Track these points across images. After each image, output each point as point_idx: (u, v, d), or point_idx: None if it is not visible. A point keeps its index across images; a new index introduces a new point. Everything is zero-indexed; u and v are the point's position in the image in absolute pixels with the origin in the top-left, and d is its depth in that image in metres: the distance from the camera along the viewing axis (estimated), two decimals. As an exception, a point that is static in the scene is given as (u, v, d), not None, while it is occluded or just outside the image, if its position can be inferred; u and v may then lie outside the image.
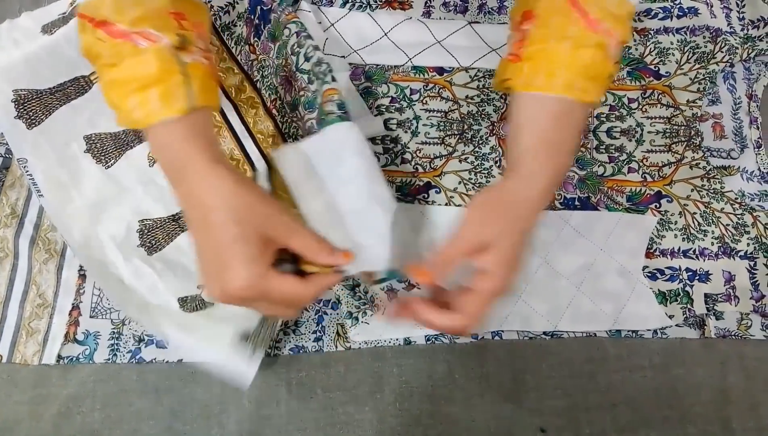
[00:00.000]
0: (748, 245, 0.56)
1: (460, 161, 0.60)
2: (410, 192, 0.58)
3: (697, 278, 0.56)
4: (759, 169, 0.60)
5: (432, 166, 0.60)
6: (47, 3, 0.65)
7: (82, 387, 0.51)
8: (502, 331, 0.53)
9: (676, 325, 0.54)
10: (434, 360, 0.53)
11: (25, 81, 0.56)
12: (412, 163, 0.60)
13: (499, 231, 0.43)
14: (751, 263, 0.56)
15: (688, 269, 0.56)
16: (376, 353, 0.53)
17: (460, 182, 0.59)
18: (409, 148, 0.61)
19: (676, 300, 0.55)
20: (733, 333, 0.53)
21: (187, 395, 0.51)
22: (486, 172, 0.59)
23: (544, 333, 0.53)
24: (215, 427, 0.50)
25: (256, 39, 0.61)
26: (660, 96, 0.60)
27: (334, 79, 0.51)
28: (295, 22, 0.57)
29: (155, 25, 0.41)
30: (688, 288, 0.55)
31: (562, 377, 0.52)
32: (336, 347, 0.53)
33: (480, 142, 0.61)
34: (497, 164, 0.60)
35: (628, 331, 0.53)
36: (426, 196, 0.58)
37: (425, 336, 0.53)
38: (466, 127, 0.61)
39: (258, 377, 0.51)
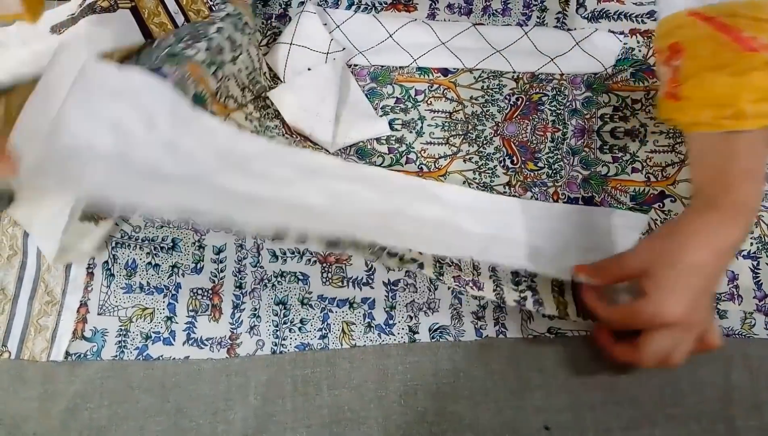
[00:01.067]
0: (751, 244, 0.57)
1: (464, 161, 0.60)
2: None
3: None
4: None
5: (437, 166, 0.60)
6: (57, 4, 0.66)
7: (90, 384, 0.51)
8: (506, 330, 0.54)
9: None
10: (439, 358, 0.53)
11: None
12: (417, 163, 0.60)
13: (657, 258, 0.44)
14: (755, 263, 0.56)
15: None
16: (382, 350, 0.53)
17: (464, 182, 0.59)
18: (413, 148, 0.61)
19: None
20: (737, 332, 0.54)
21: (193, 391, 0.52)
22: (490, 172, 0.60)
23: (548, 331, 0.54)
24: (221, 423, 0.51)
25: None
26: None
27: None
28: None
29: None
30: None
31: (566, 375, 0.52)
32: (341, 344, 0.53)
33: (484, 142, 0.61)
34: (501, 164, 0.60)
35: None
36: None
37: (430, 334, 0.54)
38: (470, 127, 0.62)
39: (264, 373, 0.52)
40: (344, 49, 0.63)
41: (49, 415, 0.50)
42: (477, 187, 0.59)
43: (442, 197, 0.57)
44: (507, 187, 0.59)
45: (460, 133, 0.61)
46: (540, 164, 0.60)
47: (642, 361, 0.46)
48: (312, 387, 0.52)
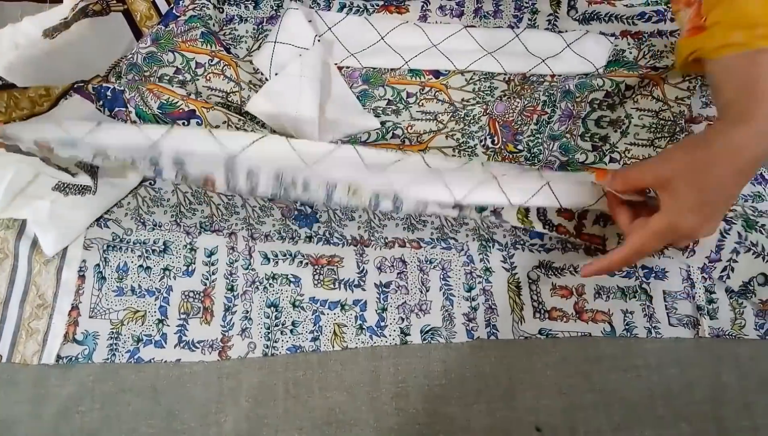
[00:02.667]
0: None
1: (446, 137, 0.60)
2: None
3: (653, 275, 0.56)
4: (753, 170, 0.60)
5: (419, 140, 0.60)
6: (49, 7, 0.66)
7: (81, 387, 0.51)
8: (497, 332, 0.54)
9: (670, 324, 0.54)
10: (431, 360, 0.53)
11: (27, 85, 0.57)
12: (401, 137, 0.60)
13: (679, 171, 0.44)
14: (727, 227, 0.56)
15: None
16: (373, 352, 0.53)
17: (443, 159, 0.59)
18: (400, 124, 0.61)
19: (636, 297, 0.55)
20: (727, 333, 0.54)
21: (184, 394, 0.52)
22: (470, 150, 0.60)
23: (540, 332, 0.54)
24: (213, 426, 0.51)
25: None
26: (653, 88, 0.61)
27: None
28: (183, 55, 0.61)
29: None
30: (649, 285, 0.55)
31: (557, 377, 0.52)
32: (333, 346, 0.53)
33: (471, 120, 0.61)
34: (482, 143, 0.60)
35: (623, 330, 0.54)
36: None
37: (421, 336, 0.54)
38: (459, 106, 0.62)
39: (255, 376, 0.52)
40: (318, 41, 0.63)
41: (41, 418, 0.50)
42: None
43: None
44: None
45: (449, 111, 0.62)
46: (520, 147, 0.60)
47: (629, 242, 0.46)
48: (304, 390, 0.52)
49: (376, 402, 0.52)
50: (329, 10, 0.67)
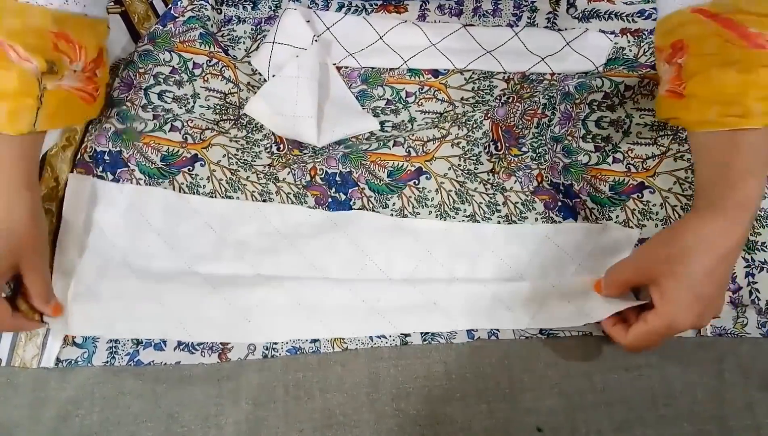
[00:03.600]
0: None
1: (452, 146, 0.60)
2: (400, 178, 0.59)
3: None
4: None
5: (424, 149, 0.60)
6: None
7: (81, 390, 0.51)
8: (498, 330, 0.54)
9: None
10: (431, 361, 0.53)
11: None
12: (405, 146, 0.60)
13: (660, 265, 0.44)
14: None
15: None
16: (373, 354, 0.53)
17: (450, 168, 0.59)
18: (402, 134, 0.61)
19: None
20: (729, 331, 0.53)
21: (184, 396, 0.51)
22: (475, 158, 0.59)
23: (540, 332, 0.53)
24: (213, 428, 0.50)
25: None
26: (653, 87, 0.60)
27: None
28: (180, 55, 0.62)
29: (28, 43, 0.45)
30: None
31: (558, 377, 0.52)
32: (333, 348, 0.53)
33: (474, 126, 0.60)
34: (486, 151, 0.60)
35: None
36: (416, 181, 0.59)
37: (422, 337, 0.53)
38: (460, 114, 0.62)
39: (255, 378, 0.52)
40: (316, 41, 0.63)
41: (40, 421, 0.50)
42: (461, 173, 0.59)
43: (418, 234, 0.57)
44: (491, 175, 0.59)
45: (450, 118, 0.61)
46: (524, 149, 0.60)
47: (629, 347, 0.47)
48: (304, 391, 0.52)
49: (377, 403, 0.51)
50: (327, 9, 0.66)
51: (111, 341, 0.53)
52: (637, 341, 0.46)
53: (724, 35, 0.42)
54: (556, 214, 0.58)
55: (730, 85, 0.42)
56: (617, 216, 0.57)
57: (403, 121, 0.62)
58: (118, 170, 0.57)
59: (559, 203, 0.58)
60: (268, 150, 0.60)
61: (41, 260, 0.50)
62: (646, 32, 0.64)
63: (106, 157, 0.57)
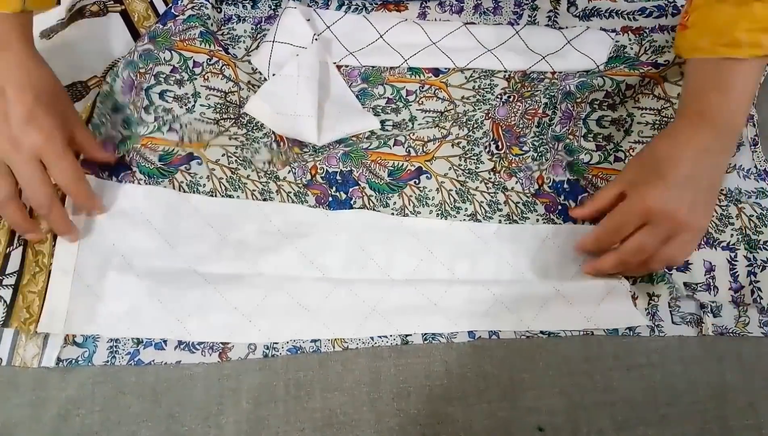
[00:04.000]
0: (731, 235, 0.56)
1: (452, 145, 0.60)
2: (401, 177, 0.59)
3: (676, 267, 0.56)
4: (755, 166, 0.60)
5: (424, 149, 0.60)
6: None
7: (81, 389, 0.51)
8: (499, 331, 0.53)
9: (673, 322, 0.54)
10: (432, 360, 0.53)
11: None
12: (405, 145, 0.60)
13: (633, 166, 0.50)
14: (732, 254, 0.56)
15: None
16: (374, 353, 0.53)
17: (450, 168, 0.59)
18: (403, 133, 0.61)
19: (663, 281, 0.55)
20: (730, 331, 0.53)
21: (185, 396, 0.51)
22: (476, 158, 0.59)
23: (541, 332, 0.53)
24: (213, 428, 0.50)
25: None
26: (654, 86, 0.60)
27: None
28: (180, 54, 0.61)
29: None
30: (667, 277, 0.55)
31: (559, 376, 0.52)
32: (333, 347, 0.53)
33: (474, 125, 0.60)
34: (486, 150, 0.60)
35: (626, 329, 0.53)
36: (417, 181, 0.58)
37: (422, 336, 0.53)
38: (461, 113, 0.61)
39: (256, 377, 0.52)
40: (317, 39, 0.63)
41: (41, 421, 0.50)
42: (462, 173, 0.59)
43: (419, 234, 0.57)
44: (492, 174, 0.59)
45: (451, 118, 0.61)
46: (525, 148, 0.60)
47: (625, 254, 0.49)
48: (304, 391, 0.52)
49: (377, 403, 0.51)
50: (328, 8, 0.66)
51: (111, 340, 0.53)
52: (609, 215, 0.49)
53: None
54: (557, 217, 0.57)
55: (723, 16, 0.45)
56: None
57: (403, 120, 0.62)
58: (122, 174, 0.57)
59: (560, 206, 0.58)
60: (268, 147, 0.60)
61: (78, 115, 0.54)
62: (647, 30, 0.64)
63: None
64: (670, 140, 0.48)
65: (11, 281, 0.52)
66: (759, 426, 0.50)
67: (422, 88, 0.63)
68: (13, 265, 0.53)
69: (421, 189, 0.58)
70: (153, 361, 0.52)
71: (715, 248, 0.56)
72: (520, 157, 0.59)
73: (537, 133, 0.60)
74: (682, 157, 0.47)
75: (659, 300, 0.54)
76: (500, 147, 0.60)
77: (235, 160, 0.58)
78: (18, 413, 0.50)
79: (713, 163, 0.48)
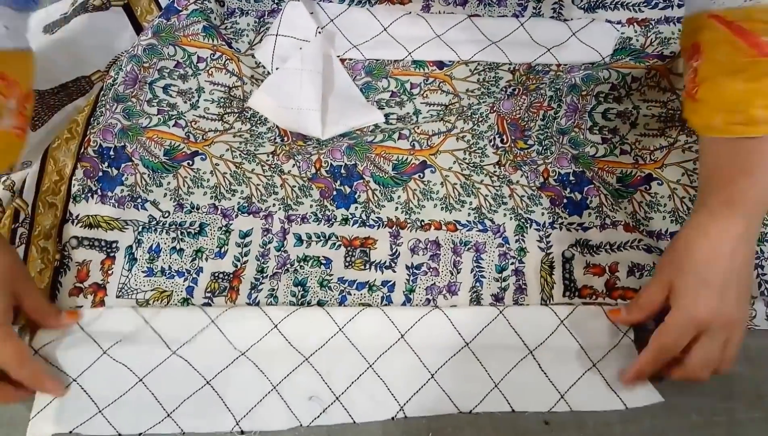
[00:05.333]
0: None
1: (457, 139, 0.59)
2: (405, 171, 0.58)
3: None
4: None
5: (429, 143, 0.59)
6: (49, 3, 0.66)
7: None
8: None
9: None
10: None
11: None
12: (410, 139, 0.60)
13: (670, 267, 0.47)
14: None
15: None
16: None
17: (455, 162, 0.59)
18: (407, 126, 0.60)
19: None
20: None
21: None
22: (480, 151, 0.59)
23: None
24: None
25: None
26: (660, 79, 0.60)
27: None
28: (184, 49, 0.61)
29: None
30: None
31: (565, 369, 0.52)
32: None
33: (479, 119, 0.60)
34: (491, 144, 0.59)
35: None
36: (421, 175, 0.58)
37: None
38: (465, 106, 0.61)
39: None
40: (320, 32, 0.62)
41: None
42: (467, 166, 0.59)
43: (411, 345, 0.52)
44: (497, 167, 0.59)
45: (455, 112, 0.61)
46: (530, 142, 0.59)
47: (693, 371, 0.46)
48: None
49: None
50: (331, 1, 0.66)
51: None
52: (657, 332, 0.46)
53: (735, 43, 0.42)
54: (562, 211, 0.57)
55: (735, 93, 0.43)
56: (625, 208, 0.56)
57: (408, 113, 0.62)
58: (123, 165, 0.57)
59: (565, 200, 0.57)
60: (272, 141, 0.60)
61: (32, 283, 0.49)
62: (653, 22, 0.64)
63: (111, 152, 0.57)
64: (703, 239, 0.45)
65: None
66: (766, 418, 0.50)
67: (426, 81, 0.63)
68: None
69: (426, 183, 0.58)
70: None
71: None
72: (525, 151, 0.59)
73: (542, 127, 0.60)
74: (720, 256, 0.45)
75: None
76: (505, 140, 0.59)
77: (239, 154, 0.58)
78: (22, 412, 0.50)
79: (748, 250, 0.46)
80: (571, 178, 0.58)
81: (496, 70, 0.63)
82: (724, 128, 0.44)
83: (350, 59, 0.64)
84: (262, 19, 0.66)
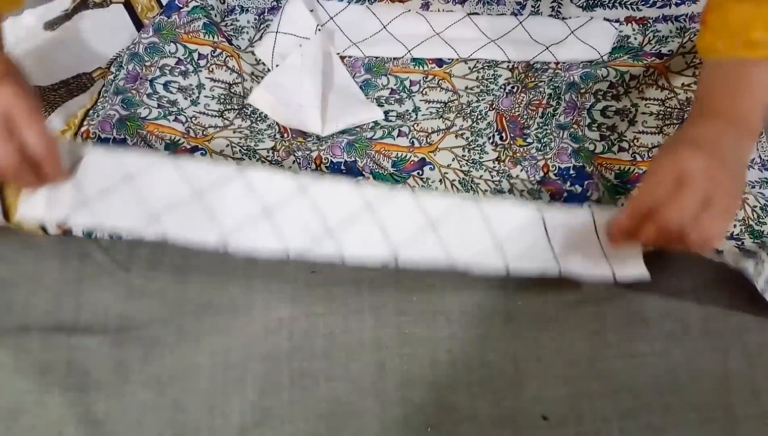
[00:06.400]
0: (735, 226, 0.56)
1: (456, 137, 0.60)
2: (404, 168, 0.59)
3: None
4: (759, 156, 0.59)
5: (428, 141, 0.60)
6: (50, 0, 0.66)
7: (86, 377, 0.51)
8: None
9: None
10: (436, 349, 0.53)
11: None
12: (409, 136, 0.60)
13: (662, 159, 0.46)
14: (738, 244, 0.56)
15: None
16: (379, 342, 0.53)
17: (453, 159, 0.59)
18: (407, 123, 0.61)
19: None
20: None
21: (190, 385, 0.51)
22: (479, 148, 0.59)
23: None
24: (218, 417, 0.51)
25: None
26: (658, 77, 0.60)
27: None
28: (185, 46, 0.61)
29: None
30: None
31: (563, 365, 0.52)
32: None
33: (478, 117, 0.60)
34: (490, 141, 0.60)
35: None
36: (420, 172, 0.58)
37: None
38: (465, 104, 0.61)
39: (261, 367, 0.52)
40: (320, 30, 0.63)
41: (46, 407, 0.50)
42: (466, 163, 0.59)
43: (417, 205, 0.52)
44: (496, 163, 0.59)
45: (455, 109, 0.61)
46: (529, 140, 0.59)
47: (666, 226, 0.43)
48: (309, 380, 0.52)
49: (382, 392, 0.51)
50: (331, -1, 0.66)
51: None
52: (646, 191, 0.45)
53: None
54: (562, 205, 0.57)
55: (739, 15, 0.45)
56: (622, 204, 0.56)
57: (407, 110, 0.62)
58: None
59: (566, 193, 0.58)
60: (272, 138, 0.60)
61: (39, 114, 0.48)
62: (650, 20, 0.64)
63: (110, 144, 0.57)
64: (695, 124, 0.47)
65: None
66: (763, 415, 0.50)
67: (426, 78, 0.63)
68: None
69: (425, 180, 0.58)
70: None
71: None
72: (524, 148, 0.59)
73: (541, 124, 0.60)
74: (707, 139, 0.45)
75: None
76: (504, 138, 0.60)
77: (240, 151, 0.59)
78: (24, 399, 0.50)
79: (737, 154, 0.46)
80: (572, 172, 0.58)
81: (495, 68, 0.63)
82: (726, 50, 0.46)
83: (350, 57, 0.65)
84: (262, 17, 0.66)
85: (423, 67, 0.64)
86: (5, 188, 0.51)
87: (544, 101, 0.60)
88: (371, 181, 0.54)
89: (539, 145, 0.59)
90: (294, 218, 0.48)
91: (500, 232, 0.49)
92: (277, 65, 0.62)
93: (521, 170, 0.58)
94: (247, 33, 0.66)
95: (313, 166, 0.58)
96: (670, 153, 0.45)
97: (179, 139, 0.58)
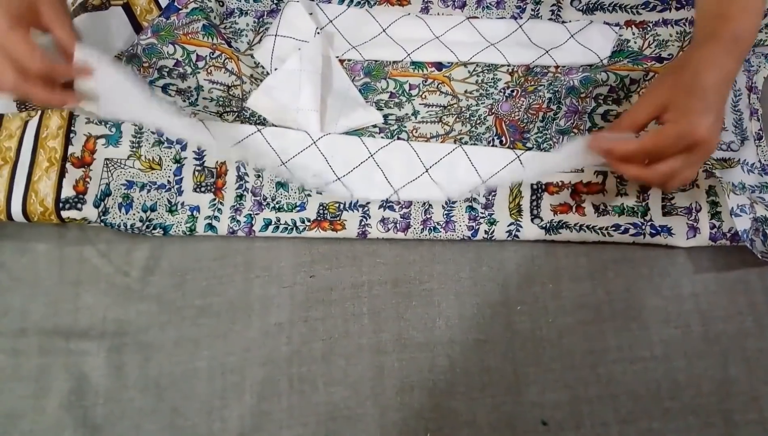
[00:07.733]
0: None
1: (455, 141, 0.59)
2: None
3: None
4: (759, 161, 0.59)
5: None
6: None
7: (84, 381, 0.51)
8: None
9: None
10: (435, 354, 0.53)
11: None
12: (408, 140, 0.60)
13: (673, 90, 0.47)
14: (707, 166, 0.55)
15: None
16: (378, 347, 0.53)
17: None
18: (405, 127, 0.60)
19: None
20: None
21: (188, 390, 0.51)
22: None
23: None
24: (217, 422, 0.51)
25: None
26: None
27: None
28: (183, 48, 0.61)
29: None
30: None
31: (562, 370, 0.52)
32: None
33: (478, 121, 0.60)
34: (490, 145, 0.59)
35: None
36: None
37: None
38: (464, 107, 0.61)
39: (259, 371, 0.52)
40: (319, 33, 0.63)
41: (44, 412, 0.50)
42: None
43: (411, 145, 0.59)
44: None
45: (454, 112, 0.61)
46: (528, 144, 0.59)
47: (659, 177, 0.47)
48: (308, 385, 0.52)
49: (381, 397, 0.51)
50: (330, 2, 0.66)
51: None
52: (649, 135, 0.47)
53: None
54: None
55: None
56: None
57: (406, 114, 0.62)
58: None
59: None
60: None
61: (64, 11, 0.51)
62: (650, 24, 0.64)
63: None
64: (715, 68, 0.47)
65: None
66: (762, 421, 0.50)
67: (425, 82, 0.63)
68: None
69: None
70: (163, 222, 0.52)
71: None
72: (524, 152, 0.59)
73: (540, 129, 0.60)
74: (724, 86, 0.48)
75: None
76: (504, 142, 0.59)
77: None
78: (21, 404, 0.50)
79: (728, 79, 0.49)
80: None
81: (494, 72, 0.63)
82: None
83: (349, 60, 0.64)
84: (261, 20, 0.66)
85: (422, 70, 0.64)
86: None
87: (544, 105, 0.60)
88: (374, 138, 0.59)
89: (539, 150, 0.59)
90: (305, 167, 0.57)
91: (482, 170, 0.57)
92: (275, 68, 0.62)
93: None
94: (246, 36, 0.66)
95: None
96: (688, 109, 0.46)
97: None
